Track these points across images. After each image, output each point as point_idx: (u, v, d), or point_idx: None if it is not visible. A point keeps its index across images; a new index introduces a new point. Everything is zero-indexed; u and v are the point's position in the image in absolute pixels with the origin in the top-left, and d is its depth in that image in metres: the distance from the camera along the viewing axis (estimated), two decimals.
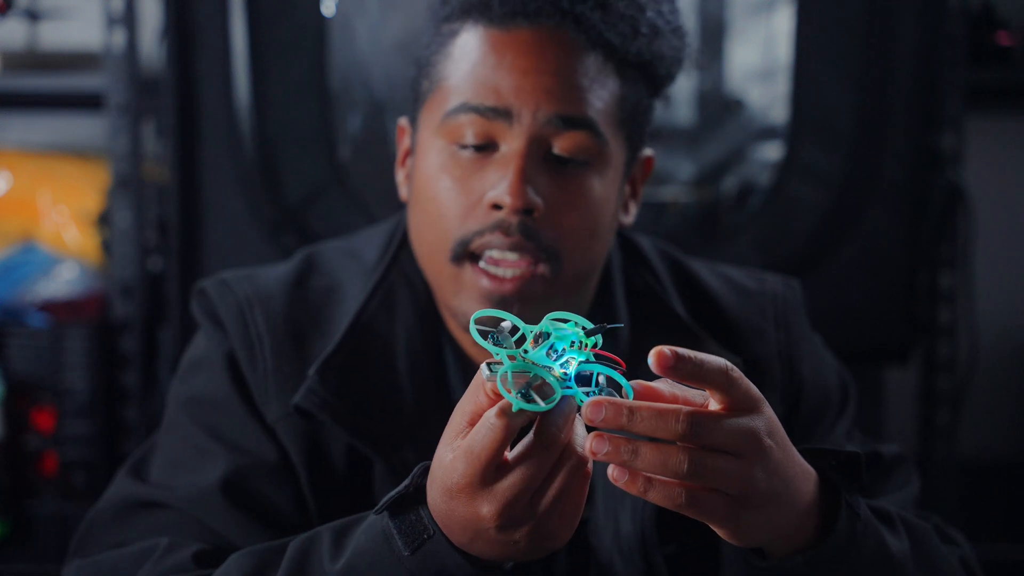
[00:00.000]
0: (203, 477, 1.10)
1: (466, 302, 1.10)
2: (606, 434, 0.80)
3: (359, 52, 2.21)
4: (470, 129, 1.09)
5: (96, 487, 2.04)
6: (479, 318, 0.82)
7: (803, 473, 0.88)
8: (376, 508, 0.90)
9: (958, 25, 2.07)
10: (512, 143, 1.09)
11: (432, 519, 0.87)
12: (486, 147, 1.10)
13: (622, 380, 0.82)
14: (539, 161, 1.09)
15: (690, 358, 0.79)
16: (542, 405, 0.80)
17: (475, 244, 1.09)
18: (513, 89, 1.08)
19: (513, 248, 1.08)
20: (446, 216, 1.10)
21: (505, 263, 1.09)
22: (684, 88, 2.28)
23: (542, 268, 1.09)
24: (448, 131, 1.11)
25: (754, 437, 0.82)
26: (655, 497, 0.82)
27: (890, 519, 1.00)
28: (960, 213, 2.11)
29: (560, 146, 1.10)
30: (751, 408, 0.83)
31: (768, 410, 0.84)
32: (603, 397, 0.80)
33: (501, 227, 1.08)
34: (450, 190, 1.10)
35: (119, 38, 2.10)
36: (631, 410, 0.79)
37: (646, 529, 1.10)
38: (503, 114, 1.08)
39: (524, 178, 1.07)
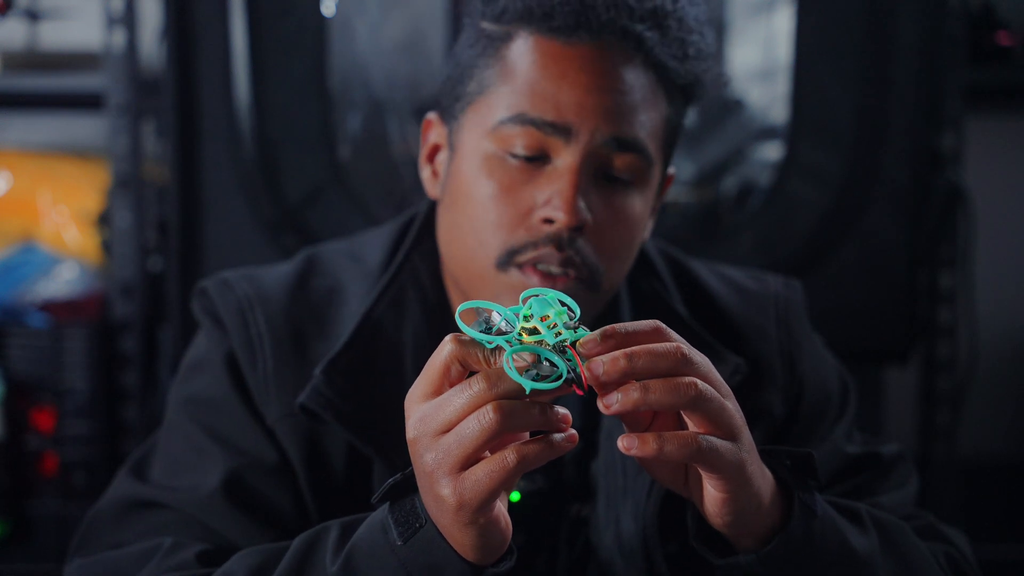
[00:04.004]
0: (203, 478, 1.10)
1: (510, 302, 1.09)
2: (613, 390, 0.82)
3: (359, 52, 2.21)
4: (524, 140, 1.09)
5: (96, 487, 2.04)
6: (462, 312, 0.83)
7: (761, 468, 0.91)
8: (374, 497, 0.90)
9: (958, 25, 2.07)
10: (567, 158, 1.08)
11: (425, 508, 0.87)
12: (537, 159, 1.10)
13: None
14: (591, 178, 1.09)
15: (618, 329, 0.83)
16: (549, 383, 0.80)
17: (524, 256, 1.09)
18: (574, 106, 1.08)
19: (562, 264, 1.08)
20: (492, 223, 1.10)
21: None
22: None
23: (584, 285, 1.09)
24: (499, 138, 1.10)
25: (725, 384, 0.87)
26: (672, 450, 0.83)
27: (858, 517, 1.01)
28: (960, 213, 2.11)
29: (612, 166, 1.10)
30: None
31: None
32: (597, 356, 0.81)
33: (553, 241, 1.08)
34: (496, 197, 1.10)
35: (119, 38, 2.09)
36: (627, 355, 0.81)
37: (647, 528, 1.10)
38: (561, 131, 1.08)
39: (578, 195, 1.07)
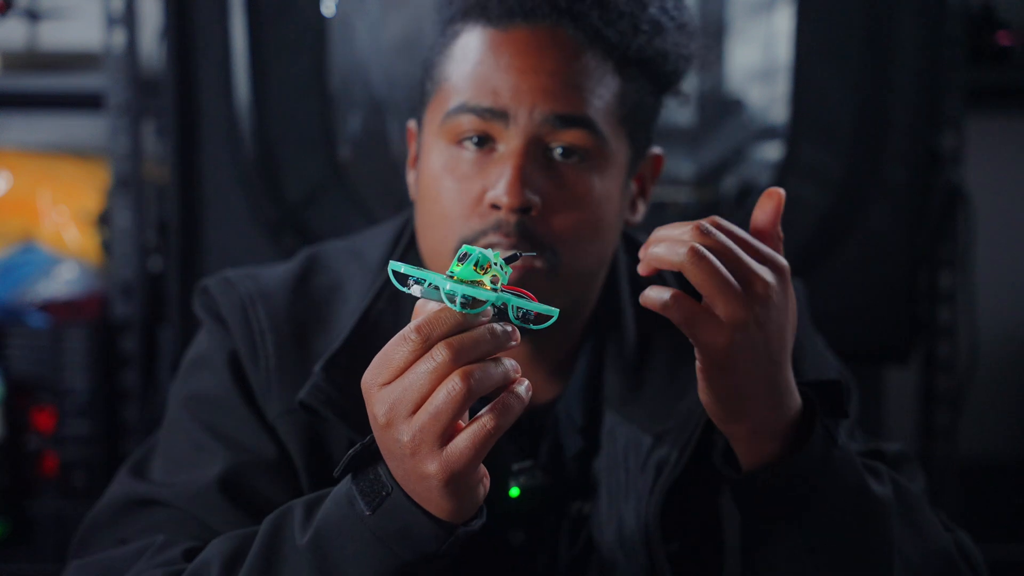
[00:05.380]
0: (202, 474, 1.10)
1: None
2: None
3: (359, 52, 2.21)
4: (468, 129, 1.10)
5: (96, 487, 2.04)
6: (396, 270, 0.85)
7: (790, 387, 0.95)
8: (336, 470, 0.90)
9: (958, 25, 2.07)
10: (510, 143, 1.10)
11: (390, 476, 0.88)
12: (485, 146, 1.11)
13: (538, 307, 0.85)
14: (537, 160, 1.10)
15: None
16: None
17: (476, 245, 1.09)
18: (510, 90, 1.09)
19: (511, 250, 1.08)
20: (449, 216, 1.11)
21: None
22: (684, 88, 2.28)
23: (539, 263, 1.09)
24: (448, 131, 1.12)
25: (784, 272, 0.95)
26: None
27: (877, 471, 1.03)
28: (960, 213, 2.11)
29: (557, 145, 1.10)
30: None
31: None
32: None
33: (501, 227, 1.08)
34: (451, 190, 1.11)
35: (119, 38, 2.09)
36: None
37: (649, 526, 1.10)
38: (500, 115, 1.09)
39: (521, 177, 1.08)
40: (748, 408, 0.94)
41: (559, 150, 1.10)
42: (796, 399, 0.95)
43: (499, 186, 1.08)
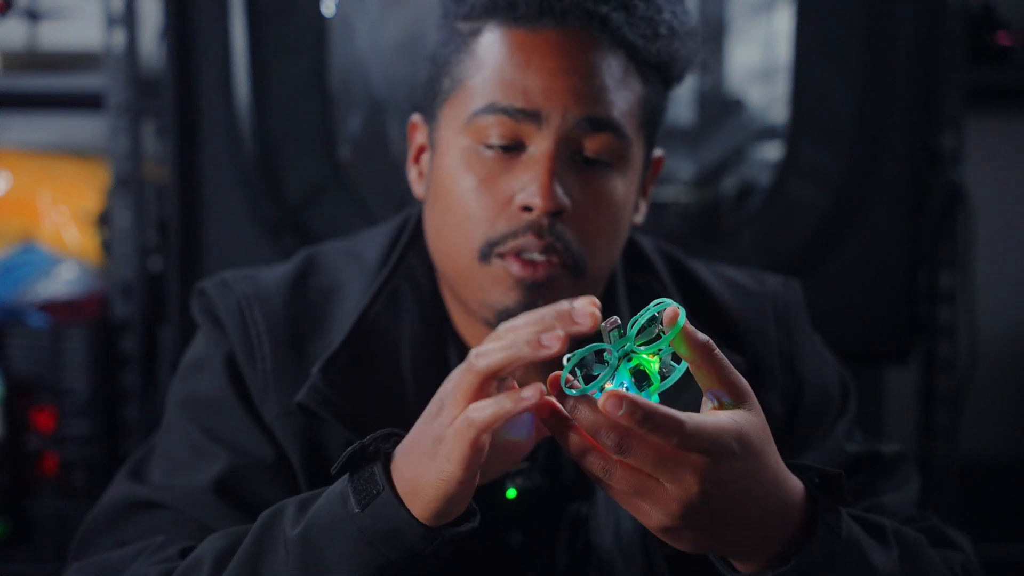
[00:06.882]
0: (200, 476, 1.11)
1: (497, 294, 1.10)
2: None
3: (359, 52, 2.21)
4: (497, 129, 1.09)
5: (96, 487, 2.04)
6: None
7: (784, 482, 0.88)
8: (333, 467, 0.91)
9: (958, 25, 2.07)
10: (541, 144, 1.09)
11: (384, 476, 0.89)
12: (513, 148, 1.10)
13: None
14: (567, 162, 1.10)
15: (641, 408, 0.81)
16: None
17: (505, 246, 1.09)
18: (542, 91, 1.08)
19: (544, 251, 1.08)
20: (473, 216, 1.10)
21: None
22: (684, 88, 2.28)
23: (567, 271, 1.09)
24: (474, 131, 1.11)
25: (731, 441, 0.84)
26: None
27: (882, 534, 0.99)
28: (960, 213, 2.11)
29: (587, 148, 1.10)
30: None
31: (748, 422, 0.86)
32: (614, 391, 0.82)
33: (533, 229, 1.08)
34: (475, 190, 1.10)
35: (119, 38, 2.09)
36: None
37: (646, 528, 1.10)
38: (532, 116, 1.08)
39: (554, 180, 1.07)
40: (733, 541, 0.89)
41: (588, 153, 1.10)
42: (793, 491, 0.89)
43: (531, 188, 1.08)
